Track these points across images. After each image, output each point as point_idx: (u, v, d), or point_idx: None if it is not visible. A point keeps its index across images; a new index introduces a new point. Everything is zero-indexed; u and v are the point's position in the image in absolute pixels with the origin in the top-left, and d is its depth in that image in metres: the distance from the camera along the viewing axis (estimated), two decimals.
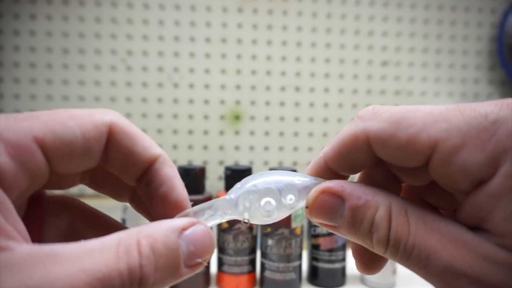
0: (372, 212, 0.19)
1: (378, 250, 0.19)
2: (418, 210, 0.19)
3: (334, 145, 0.21)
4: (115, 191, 0.24)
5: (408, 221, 0.18)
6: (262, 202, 0.20)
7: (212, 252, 0.19)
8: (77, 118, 0.19)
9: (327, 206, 0.20)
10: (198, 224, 0.19)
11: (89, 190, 0.79)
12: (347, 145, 0.21)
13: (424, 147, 0.18)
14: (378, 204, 0.19)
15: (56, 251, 0.16)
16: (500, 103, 0.17)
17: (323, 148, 0.22)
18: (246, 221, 0.20)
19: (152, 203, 0.21)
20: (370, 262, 0.23)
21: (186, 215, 0.21)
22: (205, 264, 0.19)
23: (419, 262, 0.18)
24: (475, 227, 0.18)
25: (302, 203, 0.20)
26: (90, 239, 0.17)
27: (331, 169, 0.22)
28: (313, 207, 0.20)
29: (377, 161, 0.21)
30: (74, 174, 0.22)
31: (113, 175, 0.22)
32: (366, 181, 0.23)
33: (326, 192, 0.20)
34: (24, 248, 0.15)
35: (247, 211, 0.20)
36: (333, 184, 0.21)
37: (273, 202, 0.20)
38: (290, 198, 0.20)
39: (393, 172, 0.22)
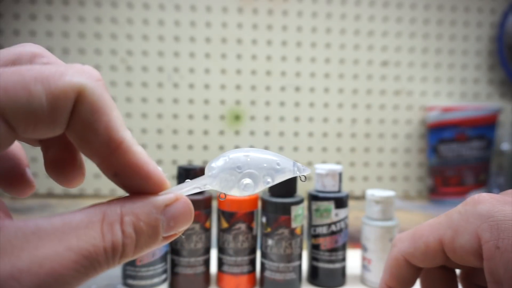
0: None
1: None
2: None
3: (387, 271, 0.29)
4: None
5: None
6: (243, 182, 0.21)
7: (190, 224, 0.20)
8: (44, 80, 0.16)
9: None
10: (181, 199, 0.20)
11: (88, 190, 0.80)
12: (395, 268, 0.28)
13: (436, 245, 0.26)
14: None
15: (42, 228, 0.16)
16: (465, 201, 0.26)
17: (381, 277, 0.30)
18: (222, 196, 0.22)
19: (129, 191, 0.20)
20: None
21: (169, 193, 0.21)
22: (180, 234, 0.20)
23: None
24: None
25: (277, 181, 0.22)
26: (74, 212, 0.17)
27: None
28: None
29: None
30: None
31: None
32: (427, 278, 0.30)
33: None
34: (10, 226, 0.15)
35: (227, 186, 0.21)
36: None
37: (252, 183, 0.21)
38: (268, 181, 0.22)
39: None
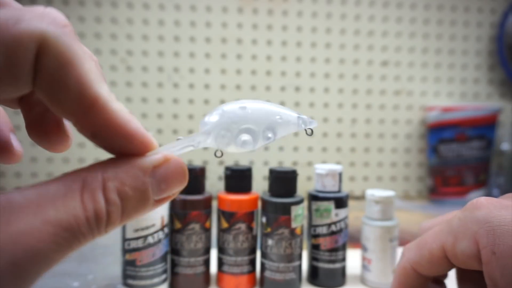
0: None
1: None
2: None
3: (396, 280, 0.29)
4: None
5: None
6: (241, 138, 0.19)
7: (184, 185, 0.18)
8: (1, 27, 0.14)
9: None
10: (171, 159, 0.18)
11: None
12: (404, 276, 0.29)
13: (439, 252, 0.27)
14: None
15: (15, 202, 0.14)
16: (464, 207, 0.26)
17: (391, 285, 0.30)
18: (219, 153, 0.20)
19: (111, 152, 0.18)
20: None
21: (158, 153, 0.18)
22: (174, 197, 0.18)
23: None
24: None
25: (280, 136, 0.20)
26: (50, 181, 0.15)
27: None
28: None
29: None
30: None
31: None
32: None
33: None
34: None
35: (223, 142, 0.19)
36: None
37: (250, 139, 0.19)
38: (268, 136, 0.20)
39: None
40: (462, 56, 0.98)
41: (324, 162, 0.95)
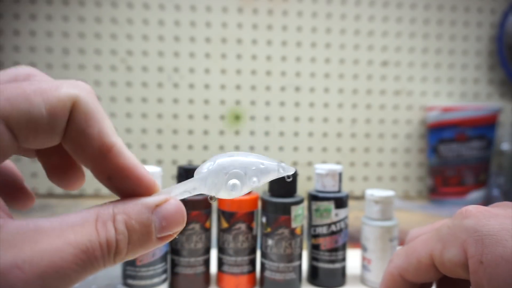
0: None
1: None
2: None
3: (382, 286, 0.29)
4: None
5: None
6: (230, 183, 0.22)
7: (183, 225, 0.21)
8: (43, 93, 0.18)
9: None
10: (171, 200, 0.21)
11: (88, 190, 0.80)
12: (391, 283, 0.29)
13: (427, 259, 0.26)
14: None
15: (41, 226, 0.17)
16: (455, 215, 0.26)
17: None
18: (212, 197, 0.22)
19: (122, 196, 0.21)
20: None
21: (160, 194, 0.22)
22: (175, 236, 0.21)
23: None
24: None
25: (263, 182, 0.23)
26: (70, 214, 0.18)
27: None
28: None
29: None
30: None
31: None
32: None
33: None
34: (11, 224, 0.16)
35: (215, 188, 0.22)
36: None
37: (238, 183, 0.22)
38: (254, 180, 0.23)
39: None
40: (462, 56, 0.98)
41: (324, 162, 0.95)
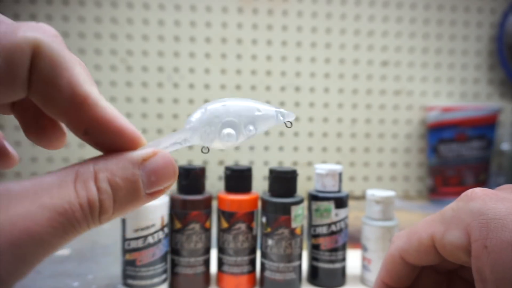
0: None
1: None
2: None
3: (383, 267, 0.29)
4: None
5: None
6: (224, 132, 0.20)
7: (174, 179, 0.19)
8: None
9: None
10: (159, 153, 0.19)
11: None
12: (391, 264, 0.28)
13: (428, 241, 0.26)
14: None
15: (12, 190, 0.15)
16: (458, 197, 0.25)
17: (378, 273, 0.29)
18: (205, 149, 0.21)
19: (102, 150, 0.20)
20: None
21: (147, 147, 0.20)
22: (167, 191, 0.19)
23: None
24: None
25: (261, 130, 0.21)
26: (45, 174, 0.17)
27: (389, 286, 0.29)
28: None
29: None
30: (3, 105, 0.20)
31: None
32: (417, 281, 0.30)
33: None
34: None
35: (208, 138, 0.20)
36: None
37: (233, 132, 0.20)
38: (250, 129, 0.21)
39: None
40: (462, 56, 0.98)
41: (324, 162, 0.95)
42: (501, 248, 0.21)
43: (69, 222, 0.16)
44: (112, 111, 0.18)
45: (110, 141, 0.19)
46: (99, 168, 0.17)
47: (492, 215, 0.22)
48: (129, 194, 0.18)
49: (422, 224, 0.27)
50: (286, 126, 0.22)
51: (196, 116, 0.20)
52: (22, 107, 0.21)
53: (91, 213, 0.17)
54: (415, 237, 0.27)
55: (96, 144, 0.19)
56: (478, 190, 0.25)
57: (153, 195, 0.19)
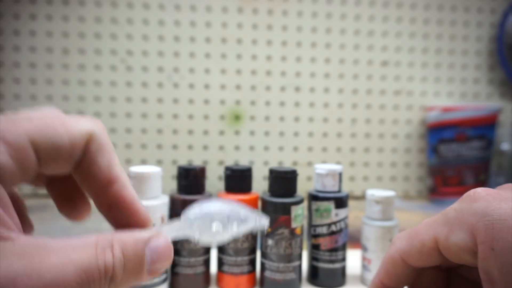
0: None
1: None
2: None
3: (382, 268, 0.28)
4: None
5: None
6: (213, 228, 0.23)
7: (170, 262, 0.22)
8: (66, 124, 0.21)
9: None
10: (162, 237, 0.22)
11: None
12: (390, 266, 0.28)
13: (431, 243, 0.25)
14: None
15: (49, 243, 0.18)
16: (461, 198, 0.25)
17: (376, 273, 0.29)
18: (196, 240, 0.24)
19: (116, 226, 0.24)
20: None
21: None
22: (163, 271, 0.22)
23: None
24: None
25: (242, 231, 0.24)
26: (72, 238, 0.20)
27: (387, 286, 0.28)
28: None
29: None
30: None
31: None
32: (420, 279, 0.30)
33: None
34: (23, 238, 0.18)
35: (199, 231, 0.23)
36: None
37: (221, 229, 0.24)
38: (234, 229, 0.24)
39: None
40: (462, 56, 0.98)
41: (324, 162, 0.95)
42: (508, 250, 0.21)
43: (88, 280, 0.19)
44: (134, 194, 0.23)
45: (126, 217, 0.23)
46: (116, 239, 0.20)
47: (498, 216, 0.22)
48: (136, 266, 0.21)
49: (423, 226, 0.27)
50: (264, 233, 0.25)
51: (193, 213, 0.24)
52: (60, 185, 0.25)
53: (105, 277, 0.19)
54: (417, 239, 0.26)
55: (113, 219, 0.23)
56: (481, 190, 0.24)
57: (152, 273, 0.22)
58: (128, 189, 0.23)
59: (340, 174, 0.48)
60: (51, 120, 0.21)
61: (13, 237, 0.18)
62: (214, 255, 0.48)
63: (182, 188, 0.46)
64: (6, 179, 0.19)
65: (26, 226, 0.25)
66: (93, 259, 0.19)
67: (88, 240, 0.19)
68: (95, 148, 0.22)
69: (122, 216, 0.23)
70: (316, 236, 0.47)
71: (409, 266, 0.27)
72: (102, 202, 0.23)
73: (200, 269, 0.45)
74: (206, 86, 0.92)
